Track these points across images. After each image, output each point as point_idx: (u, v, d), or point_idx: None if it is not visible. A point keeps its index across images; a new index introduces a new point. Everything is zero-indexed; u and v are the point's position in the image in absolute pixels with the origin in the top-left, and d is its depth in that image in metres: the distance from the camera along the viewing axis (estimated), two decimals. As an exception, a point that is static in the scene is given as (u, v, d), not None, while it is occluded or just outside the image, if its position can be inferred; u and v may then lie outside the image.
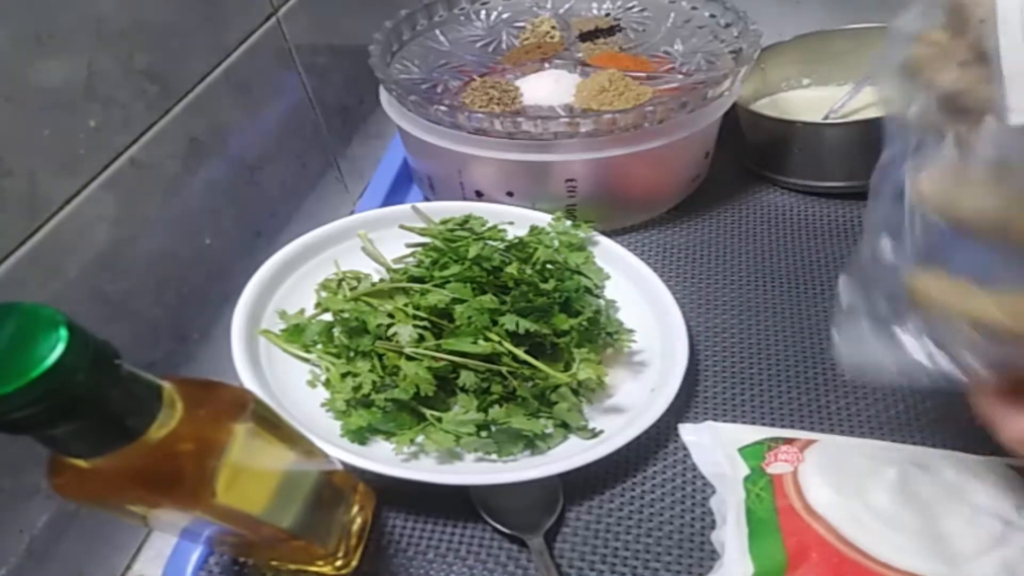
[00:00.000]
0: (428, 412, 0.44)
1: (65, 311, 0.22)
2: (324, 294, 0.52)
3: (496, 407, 0.44)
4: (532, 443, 0.44)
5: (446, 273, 0.48)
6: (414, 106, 0.55)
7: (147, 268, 0.46)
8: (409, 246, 0.54)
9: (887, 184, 0.29)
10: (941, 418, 0.46)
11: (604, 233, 0.56)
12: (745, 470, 0.42)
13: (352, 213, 0.62)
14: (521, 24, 0.68)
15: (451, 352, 0.44)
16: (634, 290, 0.53)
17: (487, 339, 0.44)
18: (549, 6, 0.70)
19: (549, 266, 0.51)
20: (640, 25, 0.67)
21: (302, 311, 0.51)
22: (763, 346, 0.52)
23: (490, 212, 0.56)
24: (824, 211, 0.62)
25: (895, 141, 0.28)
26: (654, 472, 0.45)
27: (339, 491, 0.41)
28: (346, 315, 0.47)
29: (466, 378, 0.43)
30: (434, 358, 0.44)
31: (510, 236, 0.54)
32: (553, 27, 0.67)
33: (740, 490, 0.41)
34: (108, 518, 0.44)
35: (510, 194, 0.58)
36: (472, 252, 0.49)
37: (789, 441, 0.43)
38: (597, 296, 0.53)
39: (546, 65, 0.64)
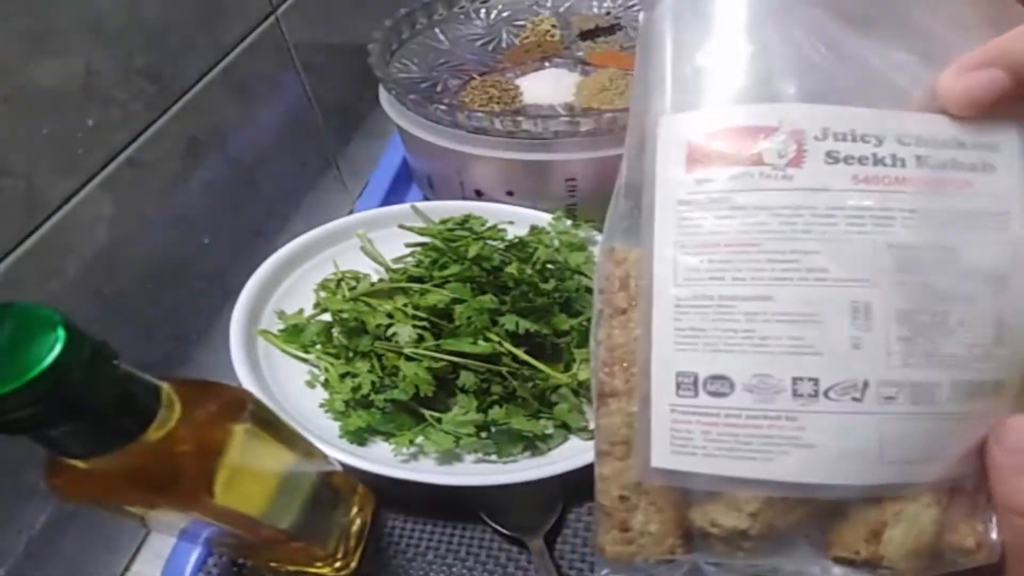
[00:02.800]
0: (427, 413, 0.44)
1: (63, 311, 0.22)
2: (323, 294, 0.51)
3: (496, 408, 0.43)
4: (532, 444, 0.44)
5: (446, 273, 0.48)
6: (414, 105, 0.55)
7: (145, 268, 0.46)
8: (408, 246, 0.54)
9: None
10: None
11: (604, 233, 0.56)
12: None
13: (351, 212, 0.62)
14: (521, 23, 0.68)
15: (451, 352, 0.44)
16: (634, 290, 0.53)
17: (487, 339, 0.44)
18: (549, 5, 0.70)
19: (549, 266, 0.51)
20: (640, 24, 0.67)
21: (301, 311, 0.51)
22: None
23: (490, 211, 0.56)
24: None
25: None
26: (654, 472, 0.45)
27: (338, 492, 0.41)
28: (345, 315, 0.47)
29: (466, 378, 0.43)
30: (433, 358, 0.44)
31: (510, 236, 0.53)
32: (553, 26, 0.67)
33: None
34: (107, 519, 0.44)
35: (510, 193, 0.58)
36: (472, 252, 0.48)
37: None
38: (597, 296, 0.52)
39: (546, 64, 0.64)
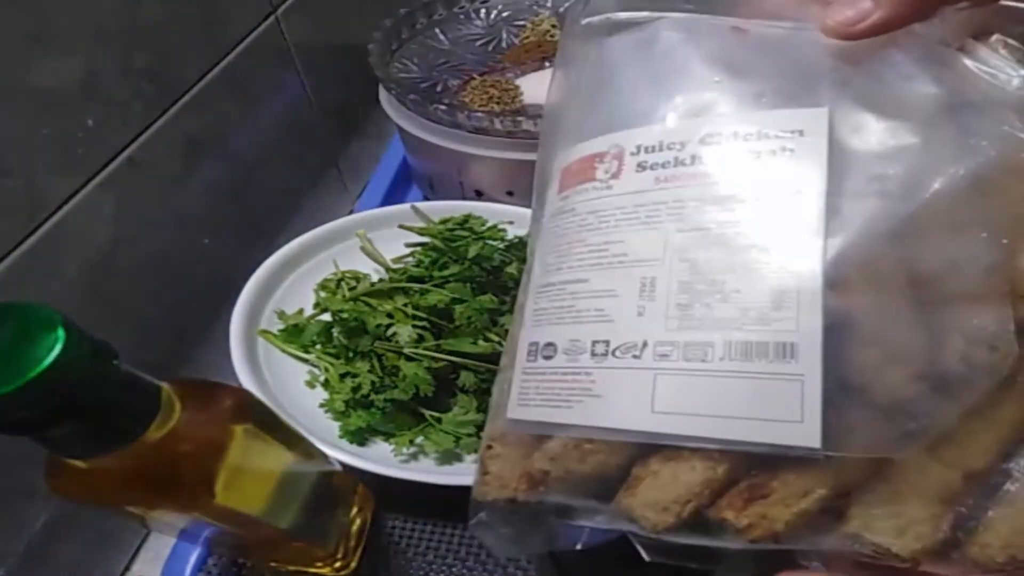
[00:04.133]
0: (427, 413, 0.44)
1: (63, 311, 0.22)
2: (323, 294, 0.51)
3: (496, 407, 0.43)
4: (532, 443, 0.44)
5: (446, 273, 0.48)
6: (414, 105, 0.55)
7: (145, 268, 0.46)
8: (408, 246, 0.54)
9: None
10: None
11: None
12: None
13: (351, 212, 0.62)
14: (521, 23, 0.68)
15: (451, 352, 0.44)
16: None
17: (487, 339, 0.44)
18: (549, 5, 0.70)
19: (549, 266, 0.51)
20: (640, 24, 0.67)
21: (301, 311, 0.51)
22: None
23: (490, 211, 0.56)
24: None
25: None
26: (654, 472, 0.45)
27: (338, 492, 0.41)
28: (345, 315, 0.47)
29: (466, 378, 0.43)
30: (433, 358, 0.44)
31: (510, 236, 0.53)
32: (553, 26, 0.67)
33: None
34: (107, 519, 0.44)
35: (510, 193, 0.58)
36: (472, 252, 0.48)
37: None
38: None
39: (546, 64, 0.63)
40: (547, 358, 0.26)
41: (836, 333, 0.21)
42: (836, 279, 0.22)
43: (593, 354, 0.25)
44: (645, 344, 0.24)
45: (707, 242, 0.24)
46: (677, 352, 0.23)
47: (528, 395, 0.26)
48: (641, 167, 0.26)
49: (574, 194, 0.28)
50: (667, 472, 0.23)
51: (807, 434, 0.21)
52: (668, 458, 0.23)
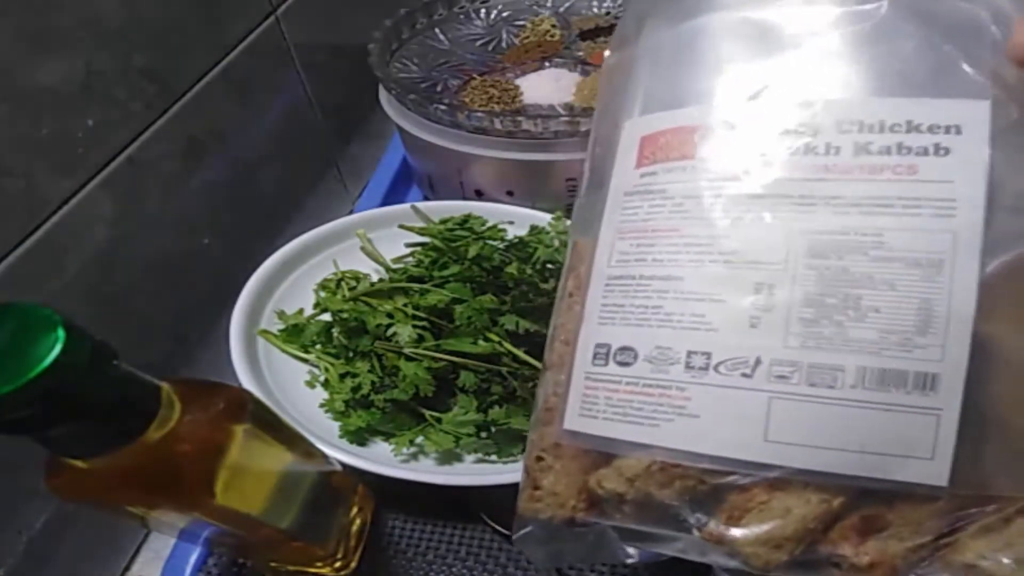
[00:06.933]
0: (427, 413, 0.44)
1: (63, 311, 0.22)
2: (323, 294, 0.51)
3: (496, 408, 0.43)
4: (532, 443, 0.44)
5: (446, 273, 0.48)
6: (414, 105, 0.55)
7: (145, 268, 0.46)
8: (408, 246, 0.54)
9: None
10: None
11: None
12: None
13: (351, 212, 0.62)
14: (521, 23, 0.68)
15: (451, 352, 0.44)
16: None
17: (487, 339, 0.44)
18: (549, 5, 0.70)
19: (549, 265, 0.51)
20: (640, 24, 0.67)
21: (301, 311, 0.51)
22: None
23: (490, 211, 0.56)
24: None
25: None
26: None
27: (338, 492, 0.41)
28: (345, 315, 0.47)
29: (466, 378, 0.43)
30: (433, 358, 0.44)
31: (510, 235, 0.53)
32: (553, 26, 0.67)
33: None
34: (107, 519, 0.44)
35: (510, 193, 0.58)
36: (472, 252, 0.48)
37: None
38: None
39: (546, 64, 0.63)
40: (623, 364, 0.23)
41: (979, 364, 0.19)
42: (988, 305, 0.19)
43: (688, 366, 0.22)
44: (759, 361, 0.21)
45: (840, 249, 0.21)
46: (799, 375, 0.20)
47: (595, 405, 0.23)
48: (762, 151, 0.22)
49: (664, 172, 0.24)
50: (778, 504, 0.21)
51: (936, 472, 0.19)
52: (775, 487, 0.21)
